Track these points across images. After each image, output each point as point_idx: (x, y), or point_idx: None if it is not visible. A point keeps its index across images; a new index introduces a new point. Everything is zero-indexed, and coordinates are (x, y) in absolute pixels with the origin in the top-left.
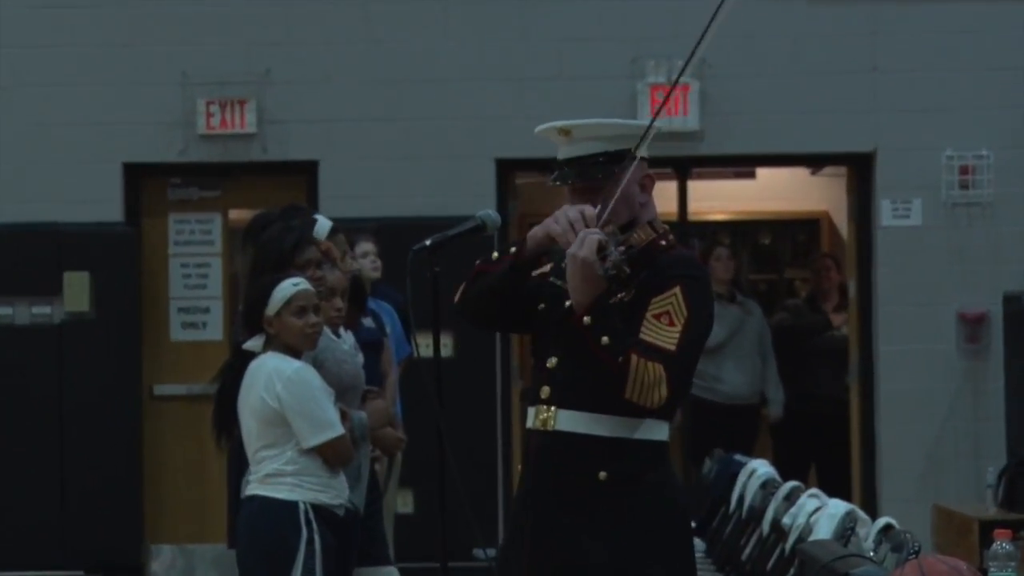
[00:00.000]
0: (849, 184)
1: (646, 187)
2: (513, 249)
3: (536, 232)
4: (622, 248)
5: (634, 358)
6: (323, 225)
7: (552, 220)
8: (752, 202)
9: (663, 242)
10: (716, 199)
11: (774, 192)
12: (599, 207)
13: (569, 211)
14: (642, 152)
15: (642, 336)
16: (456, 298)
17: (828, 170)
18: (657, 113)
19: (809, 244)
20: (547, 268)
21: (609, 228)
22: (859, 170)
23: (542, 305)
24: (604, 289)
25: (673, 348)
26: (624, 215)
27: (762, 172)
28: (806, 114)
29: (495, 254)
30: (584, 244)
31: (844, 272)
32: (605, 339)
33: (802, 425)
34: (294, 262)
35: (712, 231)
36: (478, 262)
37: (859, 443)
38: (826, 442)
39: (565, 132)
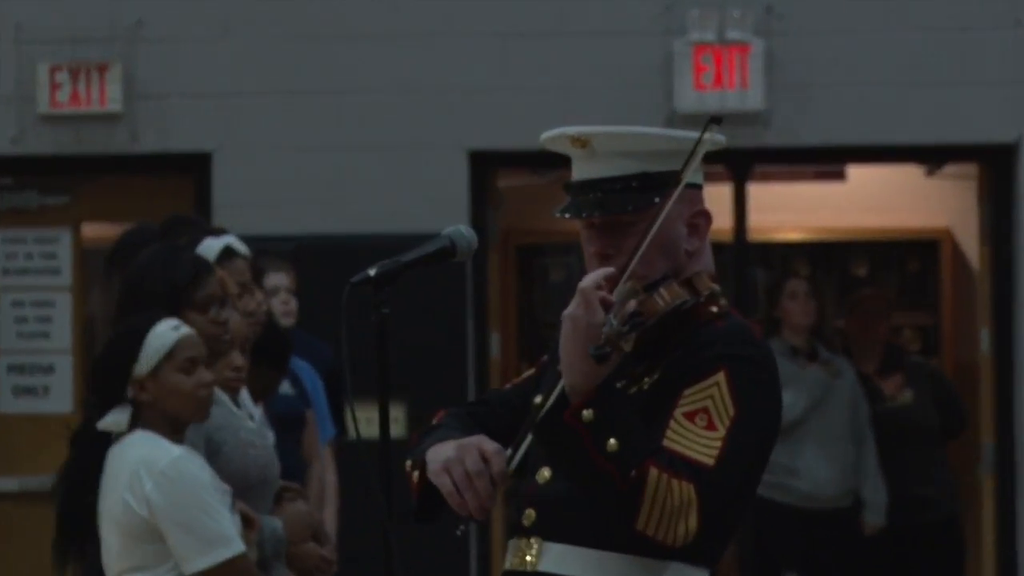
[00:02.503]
0: (982, 189)
1: (698, 228)
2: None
3: None
4: (633, 305)
5: (653, 472)
6: (211, 245)
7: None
8: (841, 215)
9: (713, 308)
10: (789, 210)
11: (873, 200)
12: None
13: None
14: (692, 177)
15: (666, 443)
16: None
17: (951, 169)
18: (707, 128)
19: (924, 275)
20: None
21: (631, 284)
22: (996, 169)
23: (538, 398)
24: (610, 370)
25: (711, 462)
26: (660, 266)
27: (855, 172)
28: (919, 88)
29: None
30: (590, 301)
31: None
32: (612, 442)
33: (902, 539)
34: (193, 301)
35: (783, 256)
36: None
37: (994, 564)
38: (934, 562)
39: (582, 142)
